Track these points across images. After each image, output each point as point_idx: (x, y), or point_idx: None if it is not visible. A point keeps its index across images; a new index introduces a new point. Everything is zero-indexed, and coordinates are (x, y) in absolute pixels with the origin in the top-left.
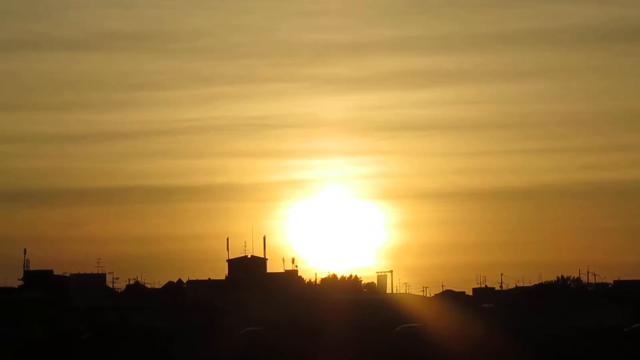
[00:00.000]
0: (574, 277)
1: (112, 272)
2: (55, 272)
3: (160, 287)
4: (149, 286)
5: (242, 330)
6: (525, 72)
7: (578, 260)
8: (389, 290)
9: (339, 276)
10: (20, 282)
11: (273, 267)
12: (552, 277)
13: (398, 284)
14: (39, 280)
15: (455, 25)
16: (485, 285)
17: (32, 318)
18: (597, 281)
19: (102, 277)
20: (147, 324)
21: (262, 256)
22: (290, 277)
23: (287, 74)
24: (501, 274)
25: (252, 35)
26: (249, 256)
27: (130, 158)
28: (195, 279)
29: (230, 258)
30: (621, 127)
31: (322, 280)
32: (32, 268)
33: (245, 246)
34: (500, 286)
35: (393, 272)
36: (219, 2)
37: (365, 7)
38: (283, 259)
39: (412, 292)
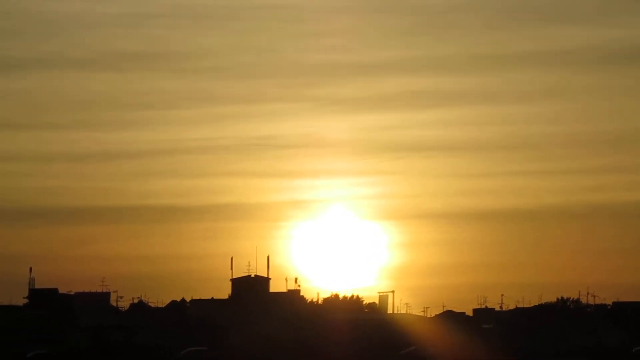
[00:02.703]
0: (573, 299)
1: (117, 291)
2: (60, 291)
3: (163, 305)
4: (152, 305)
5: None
6: (528, 93)
7: (578, 281)
8: (390, 311)
9: (340, 296)
10: (26, 300)
11: (276, 286)
12: (552, 298)
13: (399, 304)
14: (44, 299)
15: (458, 47)
16: (486, 306)
17: (37, 336)
18: (596, 302)
19: (106, 295)
20: (152, 342)
21: (266, 275)
22: (293, 296)
23: (293, 94)
24: (501, 295)
25: (259, 56)
26: (253, 275)
27: (136, 177)
28: (198, 297)
29: (233, 277)
30: (621, 149)
31: (325, 299)
32: (37, 286)
33: (249, 266)
34: (501, 307)
35: (395, 292)
36: (227, 22)
37: (371, 28)
38: (286, 279)
39: (413, 312)
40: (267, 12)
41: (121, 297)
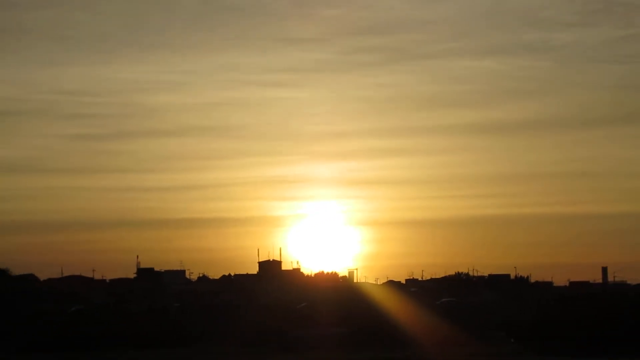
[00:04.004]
0: (465, 272)
1: (189, 269)
2: (155, 269)
3: (218, 278)
4: (211, 277)
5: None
6: (443, 149)
7: (468, 262)
8: (355, 280)
9: (325, 272)
10: (135, 275)
11: (285, 266)
12: (452, 272)
13: (360, 277)
14: (146, 274)
15: (398, 121)
16: (413, 277)
17: (141, 298)
18: (479, 274)
19: (183, 272)
20: (211, 300)
21: (279, 260)
22: (295, 272)
23: (296, 150)
24: (422, 271)
25: (275, 128)
26: (271, 260)
27: (202, 200)
28: (240, 273)
29: (260, 261)
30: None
31: (315, 274)
32: (141, 266)
33: (269, 254)
34: (422, 277)
35: (358, 270)
36: (253, 108)
37: (342, 112)
38: (291, 262)
39: (369, 282)
40: (278, 101)
41: (192, 273)
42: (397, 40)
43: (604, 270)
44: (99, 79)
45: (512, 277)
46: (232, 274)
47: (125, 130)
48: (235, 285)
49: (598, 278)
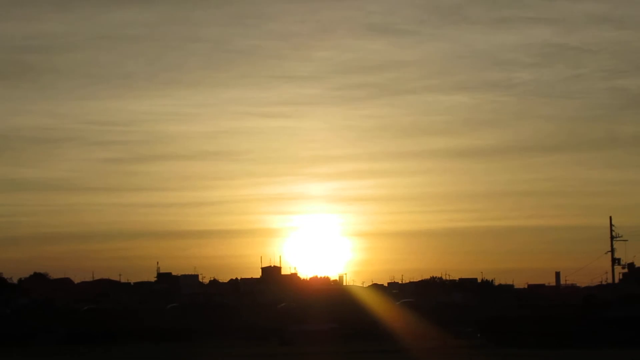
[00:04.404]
0: (439, 277)
1: (202, 273)
2: (173, 274)
3: (226, 281)
4: (220, 281)
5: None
6: (415, 171)
7: (441, 267)
8: (344, 283)
9: (318, 276)
10: (155, 279)
11: (284, 271)
12: (428, 276)
13: (349, 280)
14: (165, 278)
15: (380, 147)
16: (394, 281)
17: (160, 299)
18: (450, 278)
19: (196, 276)
20: (221, 300)
21: (279, 266)
22: (293, 277)
23: (294, 172)
24: (402, 275)
25: (276, 152)
26: (272, 266)
27: (214, 215)
28: (245, 277)
29: (262, 266)
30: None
31: (310, 278)
32: (161, 271)
33: (270, 261)
34: (402, 281)
35: (347, 274)
36: (258, 136)
37: (334, 138)
38: (289, 268)
39: (357, 284)
40: (278, 130)
41: (204, 277)
42: (380, 78)
43: (557, 274)
44: (124, 111)
45: (479, 280)
46: (239, 278)
47: (147, 155)
48: (241, 288)
49: (552, 281)
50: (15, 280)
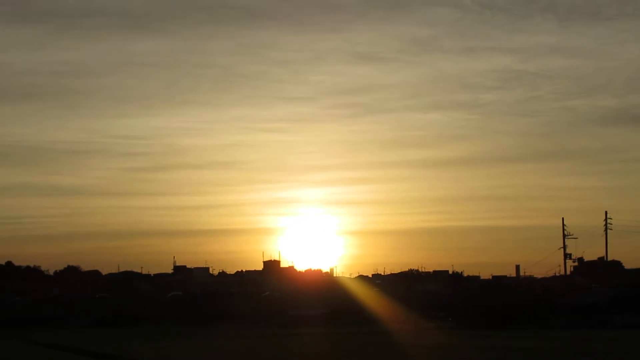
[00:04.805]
0: (416, 269)
1: (212, 266)
2: (187, 267)
3: (233, 273)
4: (228, 273)
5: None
6: (397, 183)
7: (417, 261)
8: (335, 275)
9: (312, 269)
10: (172, 271)
11: (283, 264)
12: (407, 269)
13: (338, 272)
14: (180, 270)
15: (366, 158)
16: (377, 273)
17: (176, 288)
18: (425, 270)
19: (207, 269)
20: (228, 290)
21: (278, 260)
22: (290, 269)
23: (290, 180)
24: (384, 267)
25: (273, 161)
26: (272, 260)
27: (218, 217)
28: (249, 269)
29: (264, 260)
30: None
31: (305, 271)
32: (177, 264)
33: (271, 255)
34: (384, 273)
35: (337, 267)
36: (259, 148)
37: (325, 151)
38: (287, 262)
39: (345, 276)
40: (277, 143)
41: (214, 269)
42: (366, 99)
43: (517, 267)
44: (145, 127)
45: (450, 272)
46: (244, 270)
47: (165, 164)
48: (245, 279)
49: (513, 273)
50: (51, 272)
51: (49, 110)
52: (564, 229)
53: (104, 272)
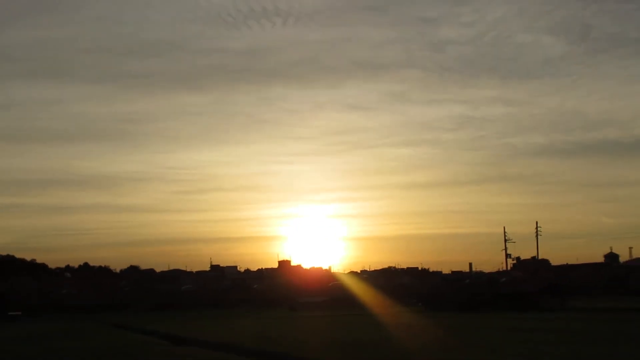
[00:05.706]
0: (394, 266)
1: (239, 265)
2: (220, 265)
3: (255, 270)
4: (252, 270)
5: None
6: (385, 194)
7: (395, 260)
8: (333, 271)
9: (315, 267)
10: (209, 269)
11: (293, 263)
12: (387, 266)
13: (335, 269)
14: (215, 268)
15: (353, 179)
16: (365, 269)
17: (213, 283)
18: (400, 267)
19: (235, 267)
20: (251, 283)
21: (289, 260)
22: (298, 267)
23: (298, 199)
24: (369, 265)
25: (285, 186)
26: (285, 260)
27: (245, 227)
28: (267, 267)
29: (279, 260)
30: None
31: (310, 268)
32: (212, 263)
33: (284, 257)
34: (369, 269)
35: (334, 265)
36: (273, 175)
37: (316, 175)
38: (296, 261)
39: (340, 271)
40: (288, 172)
41: (241, 267)
42: (354, 138)
43: (470, 264)
44: (189, 160)
45: (419, 268)
46: (263, 268)
47: (204, 188)
48: (264, 274)
49: (466, 269)
50: (117, 271)
51: (117, 149)
52: (505, 235)
53: (158, 270)
